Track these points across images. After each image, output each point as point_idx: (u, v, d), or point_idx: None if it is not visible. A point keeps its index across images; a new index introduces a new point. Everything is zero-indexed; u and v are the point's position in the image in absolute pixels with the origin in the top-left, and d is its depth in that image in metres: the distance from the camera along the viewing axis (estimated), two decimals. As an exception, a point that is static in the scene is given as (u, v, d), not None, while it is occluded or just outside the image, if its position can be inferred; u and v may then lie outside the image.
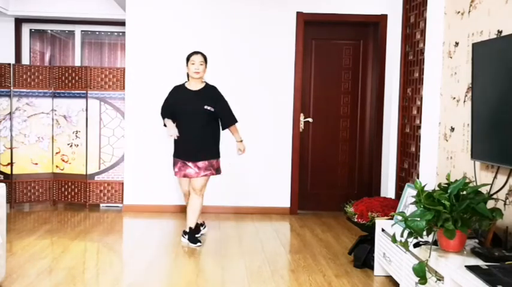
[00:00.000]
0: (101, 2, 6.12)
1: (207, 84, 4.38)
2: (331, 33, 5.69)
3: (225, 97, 4.38)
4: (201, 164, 4.26)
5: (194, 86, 4.34)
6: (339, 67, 5.69)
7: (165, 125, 4.41)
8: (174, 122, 4.34)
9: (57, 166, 5.67)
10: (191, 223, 4.32)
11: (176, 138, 4.30)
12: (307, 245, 4.40)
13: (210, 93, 4.33)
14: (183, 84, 4.41)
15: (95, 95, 5.52)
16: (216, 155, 4.36)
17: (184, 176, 4.31)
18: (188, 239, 4.30)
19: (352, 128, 5.73)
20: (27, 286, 3.24)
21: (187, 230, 4.33)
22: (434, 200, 2.57)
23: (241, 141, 4.42)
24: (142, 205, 5.51)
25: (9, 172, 5.51)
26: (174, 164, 4.39)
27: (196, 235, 4.37)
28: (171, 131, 4.31)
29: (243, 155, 4.49)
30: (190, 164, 4.27)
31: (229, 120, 4.36)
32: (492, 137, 2.82)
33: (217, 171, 4.38)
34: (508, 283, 2.11)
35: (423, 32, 4.35)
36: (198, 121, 4.25)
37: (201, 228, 4.58)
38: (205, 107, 4.23)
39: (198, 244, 4.26)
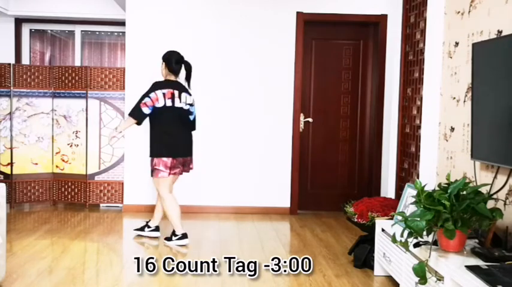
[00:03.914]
0: (101, 2, 6.12)
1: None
2: (331, 33, 5.69)
3: (146, 92, 4.31)
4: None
5: None
6: (339, 67, 5.69)
7: None
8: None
9: (57, 166, 5.67)
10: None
11: None
12: (307, 245, 4.40)
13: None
14: None
15: (95, 95, 5.52)
16: (151, 153, 4.28)
17: None
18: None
19: (352, 128, 5.73)
20: (27, 286, 3.25)
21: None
22: (434, 200, 2.57)
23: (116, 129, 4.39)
24: (142, 205, 5.51)
25: (9, 172, 5.51)
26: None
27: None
28: None
29: None
30: None
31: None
32: (492, 137, 2.82)
33: (152, 172, 4.28)
34: (508, 283, 2.11)
35: (423, 32, 4.34)
36: None
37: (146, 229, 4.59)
38: None
39: (137, 232, 4.56)
